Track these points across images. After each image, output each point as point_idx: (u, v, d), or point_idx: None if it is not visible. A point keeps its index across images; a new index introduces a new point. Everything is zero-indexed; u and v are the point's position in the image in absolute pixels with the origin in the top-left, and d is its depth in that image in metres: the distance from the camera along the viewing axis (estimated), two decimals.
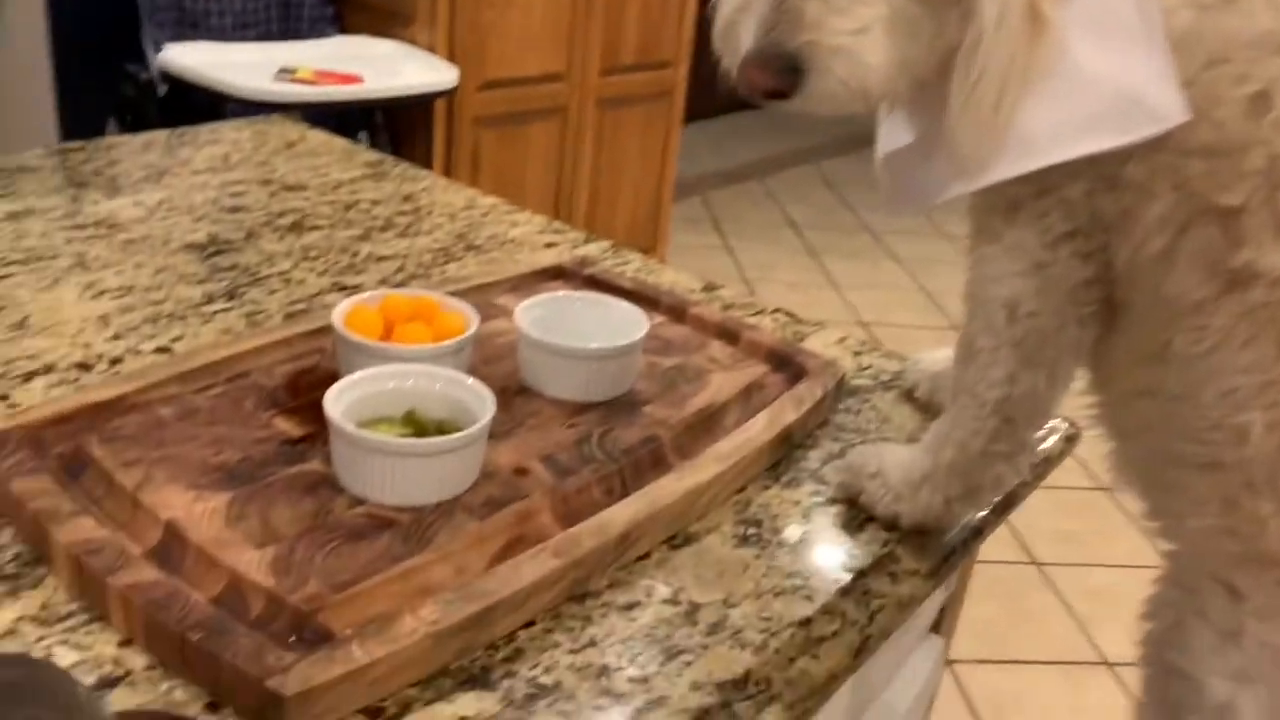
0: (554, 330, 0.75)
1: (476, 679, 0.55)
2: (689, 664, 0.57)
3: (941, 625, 0.92)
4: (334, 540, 0.59)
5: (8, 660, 0.36)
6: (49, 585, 0.57)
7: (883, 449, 0.72)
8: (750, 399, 0.78)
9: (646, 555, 0.64)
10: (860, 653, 0.61)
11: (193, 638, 0.52)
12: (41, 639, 0.53)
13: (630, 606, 0.60)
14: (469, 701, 0.53)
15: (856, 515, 0.71)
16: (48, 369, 0.76)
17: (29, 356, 0.77)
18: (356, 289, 0.93)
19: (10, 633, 0.53)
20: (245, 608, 0.54)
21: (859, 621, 0.62)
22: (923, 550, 0.69)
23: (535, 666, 0.56)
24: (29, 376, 0.75)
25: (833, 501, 0.72)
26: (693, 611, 0.61)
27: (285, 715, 0.49)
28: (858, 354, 0.92)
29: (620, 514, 0.64)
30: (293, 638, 0.53)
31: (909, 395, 0.86)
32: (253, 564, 0.56)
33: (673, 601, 0.61)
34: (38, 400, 0.72)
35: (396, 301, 0.76)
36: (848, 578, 0.65)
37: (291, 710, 0.49)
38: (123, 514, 0.60)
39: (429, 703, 0.53)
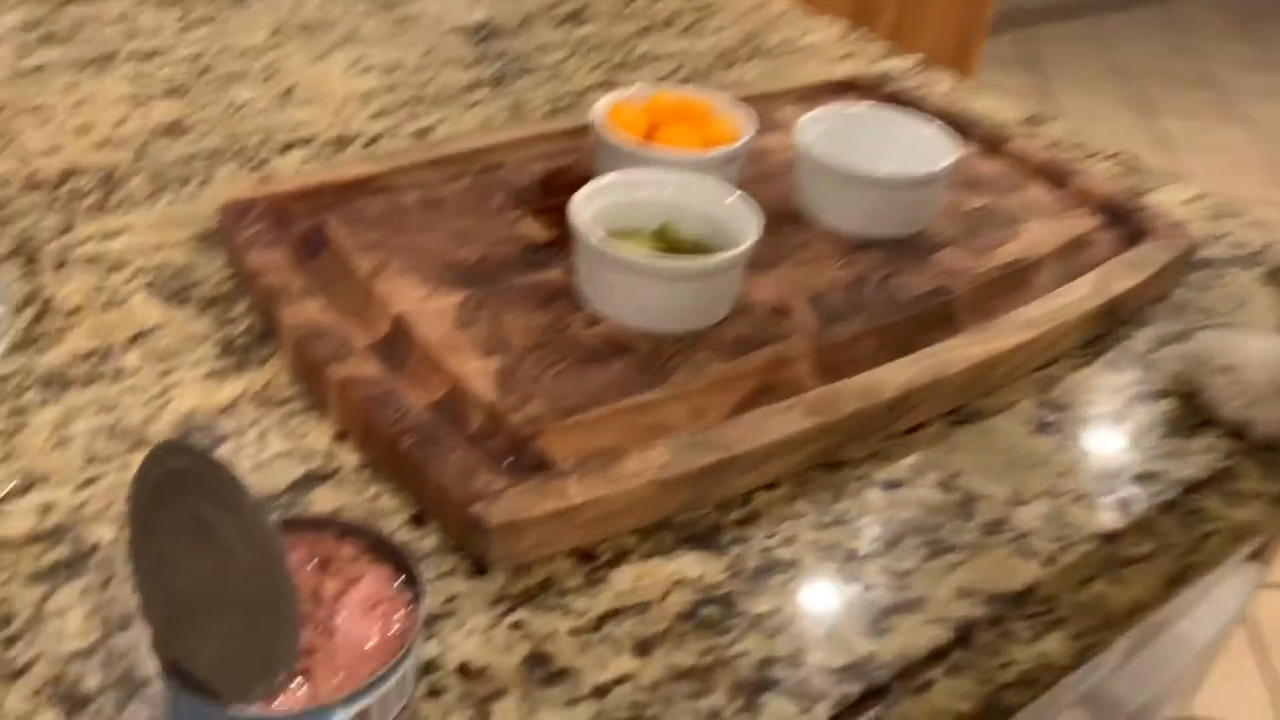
0: (840, 150, 0.64)
1: (702, 538, 0.48)
2: (957, 565, 0.47)
3: (1264, 552, 0.76)
4: (565, 360, 0.52)
5: (178, 448, 0.32)
6: (274, 365, 0.54)
7: (1240, 338, 0.57)
8: (1073, 257, 0.64)
9: (919, 428, 0.54)
10: (1176, 583, 0.49)
11: (404, 444, 0.47)
12: (256, 421, 0.51)
13: (892, 485, 0.51)
14: (691, 562, 0.46)
15: (1192, 416, 0.57)
16: (305, 141, 0.73)
17: (290, 128, 0.75)
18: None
19: (229, 409, 0.51)
20: (463, 419, 0.49)
21: (1180, 546, 0.50)
22: (1273, 469, 0.54)
23: (772, 536, 0.48)
24: (287, 148, 0.72)
25: (1164, 394, 0.58)
26: (968, 503, 0.50)
27: (489, 544, 0.45)
28: (1215, 218, 0.74)
29: (894, 375, 0.54)
30: (509, 459, 0.48)
31: (1277, 277, 0.68)
32: (477, 373, 0.51)
33: (945, 487, 0.51)
34: (291, 172, 0.69)
35: (664, 100, 0.67)
36: (1173, 491, 0.52)
37: (496, 540, 0.44)
38: (353, 301, 0.56)
39: (647, 556, 0.47)
